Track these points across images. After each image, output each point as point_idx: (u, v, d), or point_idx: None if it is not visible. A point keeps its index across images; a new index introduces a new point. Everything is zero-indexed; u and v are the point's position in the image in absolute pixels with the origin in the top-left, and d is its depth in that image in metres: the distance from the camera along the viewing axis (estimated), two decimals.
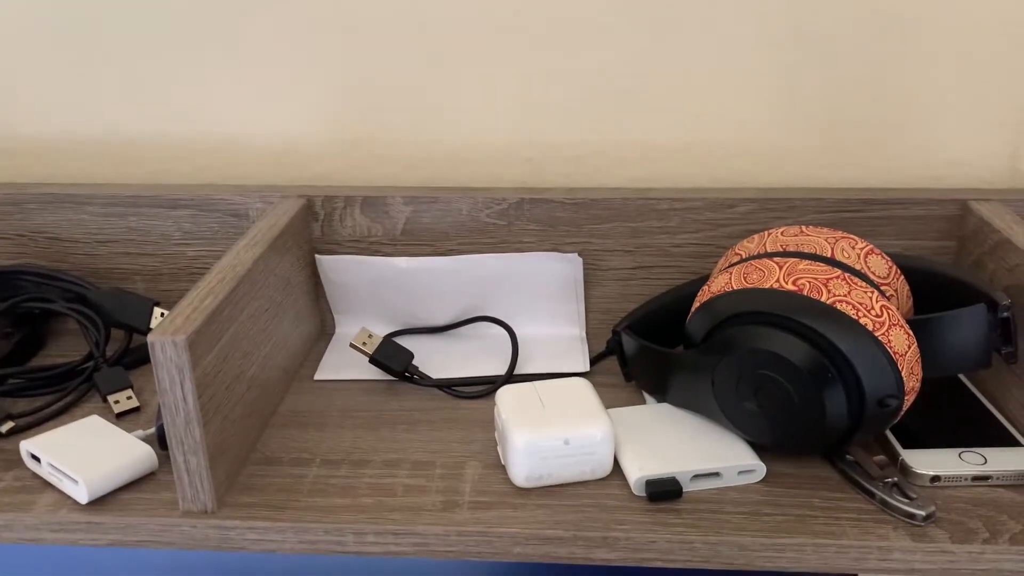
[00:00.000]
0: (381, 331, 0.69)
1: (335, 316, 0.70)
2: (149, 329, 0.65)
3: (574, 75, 0.68)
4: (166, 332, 0.47)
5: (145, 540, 0.50)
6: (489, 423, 0.59)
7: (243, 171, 0.72)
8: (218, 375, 0.51)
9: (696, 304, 0.54)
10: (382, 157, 0.71)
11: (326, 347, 0.68)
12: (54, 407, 0.60)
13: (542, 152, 0.71)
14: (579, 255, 0.66)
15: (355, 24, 0.68)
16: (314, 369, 0.65)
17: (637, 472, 0.51)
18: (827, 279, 0.50)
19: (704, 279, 0.62)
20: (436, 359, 0.66)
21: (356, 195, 0.67)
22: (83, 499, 0.51)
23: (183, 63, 0.70)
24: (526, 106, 0.69)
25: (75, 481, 0.51)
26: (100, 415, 0.58)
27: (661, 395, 0.58)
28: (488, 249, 0.68)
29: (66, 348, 0.68)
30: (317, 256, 0.67)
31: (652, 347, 0.57)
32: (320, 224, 0.68)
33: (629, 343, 0.60)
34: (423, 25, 0.68)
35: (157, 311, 0.65)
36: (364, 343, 0.62)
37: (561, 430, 0.51)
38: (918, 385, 0.50)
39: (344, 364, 0.65)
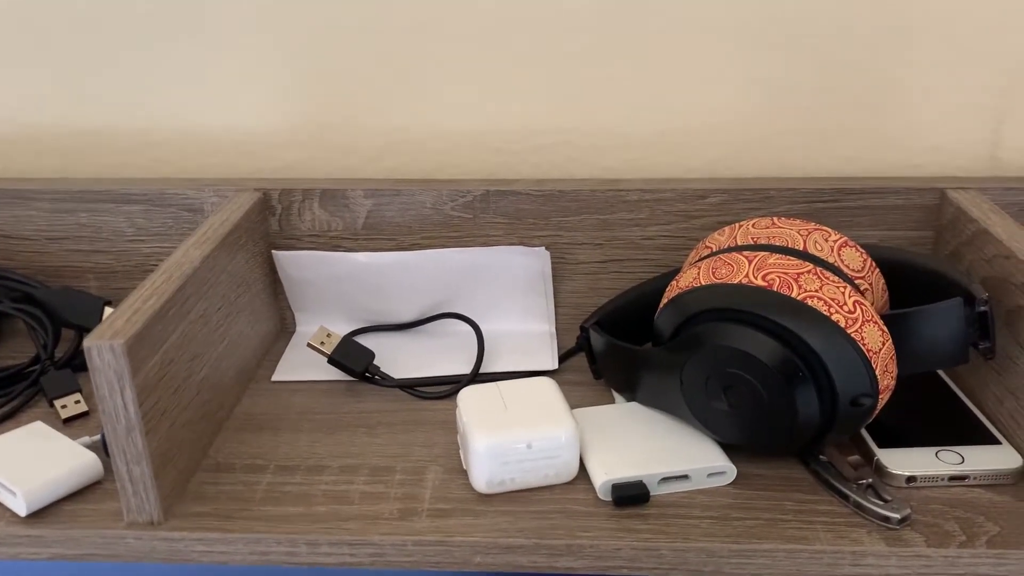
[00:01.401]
0: (343, 329, 0.67)
1: (295, 314, 0.67)
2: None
3: (542, 63, 0.66)
4: (103, 336, 0.44)
5: (89, 554, 0.48)
6: (452, 425, 0.57)
7: (198, 165, 0.69)
8: (163, 379, 0.48)
9: (664, 300, 0.52)
10: (342, 149, 0.69)
11: (285, 347, 0.66)
12: (1, 412, 0.58)
13: (509, 142, 0.68)
14: (547, 248, 0.64)
15: (314, 11, 0.65)
16: (272, 370, 0.63)
17: (603, 476, 0.49)
18: (798, 274, 0.48)
19: (675, 273, 0.60)
20: (399, 358, 0.63)
21: (315, 188, 0.65)
22: (22, 511, 0.48)
23: (135, 52, 0.67)
24: (493, 95, 0.67)
25: (12, 493, 0.48)
26: (45, 420, 0.56)
27: (630, 394, 0.56)
28: (453, 243, 0.66)
29: (14, 350, 0.66)
30: (274, 252, 0.65)
31: (620, 344, 0.55)
32: (278, 219, 0.66)
33: (597, 340, 0.58)
34: (385, 12, 0.65)
35: (108, 310, 0.63)
36: (322, 342, 0.60)
37: (523, 432, 0.49)
38: (893, 383, 0.48)
39: (302, 364, 0.63)
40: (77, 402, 0.58)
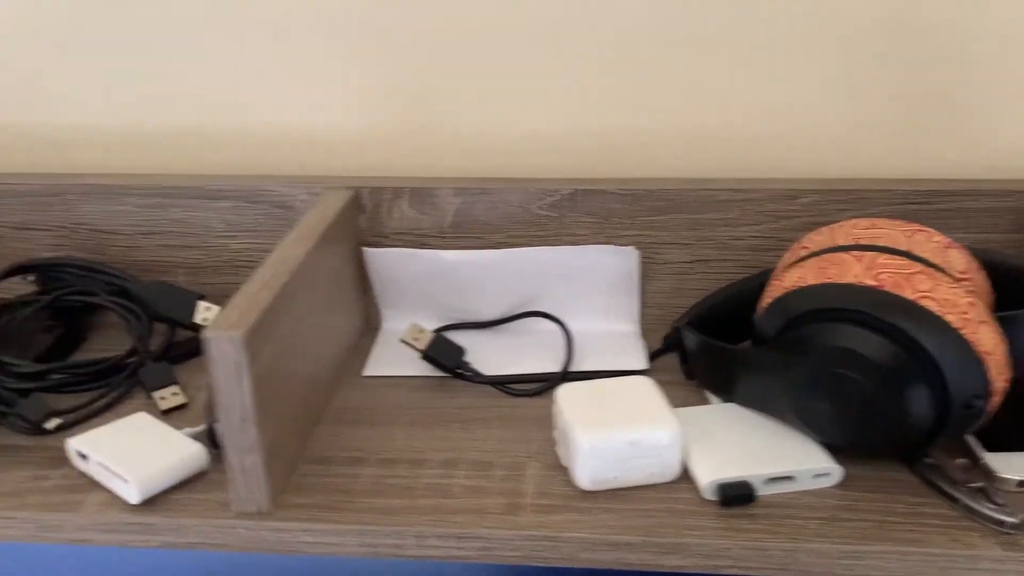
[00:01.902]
0: (428, 326, 0.67)
1: (381, 310, 0.68)
2: (193, 323, 0.64)
3: (629, 62, 0.66)
4: (222, 328, 0.45)
5: (197, 542, 0.49)
6: (545, 422, 0.57)
7: (289, 162, 0.70)
8: (272, 372, 0.49)
9: (767, 300, 0.52)
10: (431, 148, 0.69)
11: (371, 342, 0.66)
12: (98, 403, 0.59)
13: (596, 142, 0.68)
14: (635, 248, 0.64)
15: (404, 12, 0.66)
16: (361, 364, 0.64)
17: (708, 476, 0.49)
18: (909, 274, 0.47)
19: (766, 273, 0.59)
20: (486, 355, 0.64)
21: (404, 187, 0.65)
22: (134, 499, 0.49)
23: (229, 53, 0.68)
24: (580, 95, 0.67)
25: (125, 480, 0.49)
26: (146, 411, 0.57)
27: (726, 394, 0.56)
28: (540, 242, 0.66)
29: (107, 342, 0.67)
30: (364, 249, 0.65)
31: (718, 344, 0.55)
32: (367, 216, 0.66)
33: (691, 339, 0.57)
34: (473, 12, 0.65)
35: (201, 305, 0.64)
36: (415, 338, 0.60)
37: (628, 431, 0.49)
38: (1006, 385, 0.48)
39: (393, 360, 0.63)
40: (175, 394, 0.59)
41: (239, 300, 0.48)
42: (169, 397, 0.59)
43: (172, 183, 0.67)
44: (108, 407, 0.59)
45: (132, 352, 0.62)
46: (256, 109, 0.70)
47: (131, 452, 0.51)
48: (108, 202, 0.68)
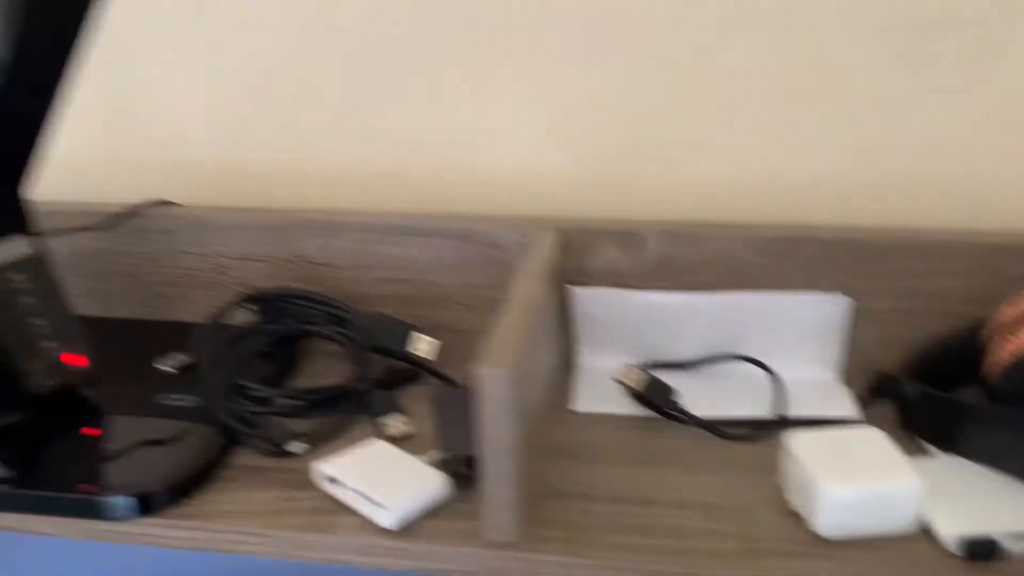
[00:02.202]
0: (623, 363, 0.69)
1: (580, 347, 0.70)
2: (406, 353, 0.67)
3: (838, 110, 0.67)
4: (494, 365, 0.47)
5: (448, 568, 0.51)
6: (764, 467, 0.58)
7: (498, 203, 0.74)
8: (522, 408, 0.51)
9: (1006, 355, 0.52)
10: (638, 191, 0.72)
11: (566, 377, 0.69)
12: (328, 428, 0.62)
13: (807, 188, 0.70)
14: (843, 296, 0.65)
15: (611, 57, 0.69)
16: (565, 399, 0.66)
17: (952, 529, 0.49)
18: None
19: (980, 325, 0.59)
20: (689, 396, 0.65)
21: (610, 229, 0.68)
22: (390, 524, 0.52)
23: (442, 97, 0.72)
24: (790, 142, 0.69)
25: (382, 506, 0.52)
26: (373, 437, 0.60)
27: (952, 448, 0.56)
28: (743, 287, 0.67)
29: (317, 369, 0.70)
30: (572, 288, 0.68)
31: (949, 397, 0.55)
32: (572, 256, 0.69)
33: (912, 390, 0.58)
34: (684, 60, 0.68)
35: (415, 336, 0.67)
36: (628, 377, 0.62)
37: (871, 481, 0.50)
38: None
39: (601, 396, 0.65)
40: (403, 422, 0.62)
41: (500, 338, 0.51)
42: (397, 425, 0.62)
43: (388, 221, 0.71)
44: (337, 432, 0.62)
45: (359, 378, 0.66)
46: (470, 151, 0.73)
47: (382, 479, 0.54)
48: (327, 236, 0.72)
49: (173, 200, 0.76)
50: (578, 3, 0.68)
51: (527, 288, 0.58)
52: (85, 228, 0.74)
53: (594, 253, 0.69)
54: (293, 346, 0.72)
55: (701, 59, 0.68)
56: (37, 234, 0.63)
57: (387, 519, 0.52)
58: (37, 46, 0.55)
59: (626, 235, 0.68)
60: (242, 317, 0.71)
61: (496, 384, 0.47)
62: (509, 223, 0.70)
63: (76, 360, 0.64)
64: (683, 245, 0.67)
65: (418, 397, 0.65)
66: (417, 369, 0.69)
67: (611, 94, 0.70)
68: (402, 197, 0.75)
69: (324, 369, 0.70)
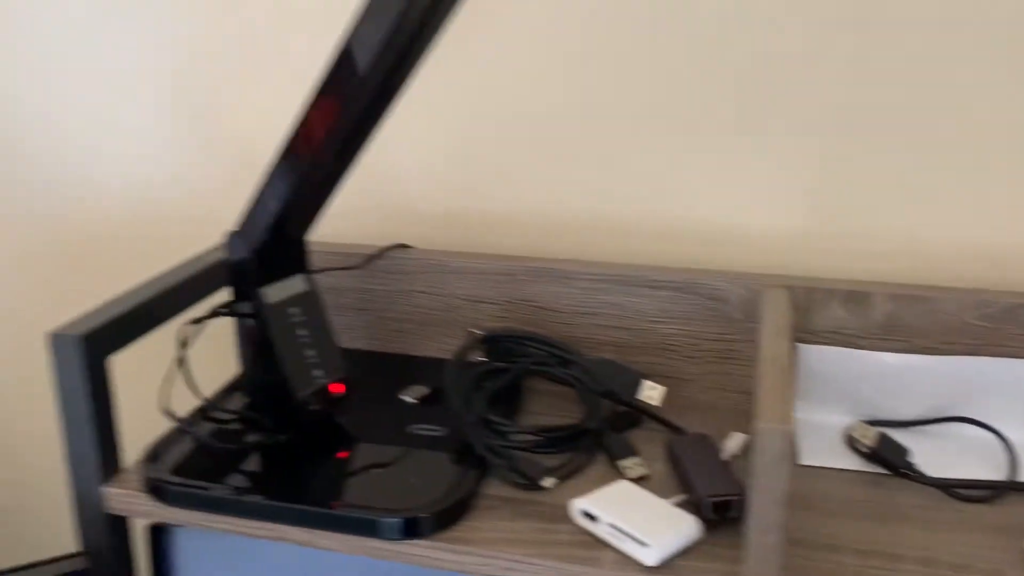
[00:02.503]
0: (841, 419, 0.71)
1: (800, 402, 0.73)
2: (635, 400, 0.71)
3: None
4: (775, 422, 0.51)
5: None
6: (1005, 528, 0.59)
7: (721, 256, 0.78)
8: (792, 461, 0.54)
9: None
10: (863, 252, 0.74)
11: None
12: (568, 465, 0.66)
13: None
14: None
15: (844, 118, 0.72)
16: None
17: None
18: None
19: None
20: (916, 456, 0.66)
21: (839, 288, 0.70)
22: (651, 561, 0.55)
23: (675, 153, 0.76)
24: (1013, 205, 0.70)
25: (644, 544, 0.56)
26: (601, 477, 0.63)
27: None
28: (968, 351, 0.69)
29: (534, 408, 0.74)
30: (802, 345, 0.71)
31: None
32: (798, 313, 0.72)
33: None
34: (908, 122, 0.70)
35: (646, 384, 0.71)
36: (862, 434, 0.65)
37: None
38: None
39: (824, 451, 0.68)
40: (639, 464, 0.66)
41: (771, 395, 0.54)
42: (633, 467, 0.66)
43: (617, 271, 0.75)
44: (576, 470, 0.67)
45: (589, 421, 0.70)
46: (700, 206, 0.77)
47: (639, 518, 0.58)
48: (556, 284, 0.77)
49: (410, 244, 0.83)
50: (806, 73, 0.72)
51: (778, 346, 0.61)
52: (343, 267, 0.81)
53: (820, 311, 0.71)
54: (520, 385, 0.76)
55: (941, 124, 0.70)
56: (311, 272, 0.70)
57: (649, 556, 0.55)
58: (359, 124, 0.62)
59: (853, 294, 0.70)
60: (471, 355, 0.76)
61: (774, 439, 0.51)
62: (734, 277, 0.73)
63: (338, 388, 0.70)
64: (910, 306, 0.69)
65: (642, 440, 0.69)
66: (639, 415, 0.73)
67: (844, 156, 0.73)
68: (634, 249, 0.80)
69: (542, 408, 0.75)
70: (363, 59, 0.56)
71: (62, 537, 1.10)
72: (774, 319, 0.65)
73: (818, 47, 0.71)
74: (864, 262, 0.75)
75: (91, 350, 0.64)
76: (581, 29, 0.76)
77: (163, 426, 0.70)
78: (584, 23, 0.76)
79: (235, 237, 0.66)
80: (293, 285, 0.69)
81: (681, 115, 0.76)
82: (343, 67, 0.57)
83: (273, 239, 0.67)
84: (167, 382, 0.68)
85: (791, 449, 0.51)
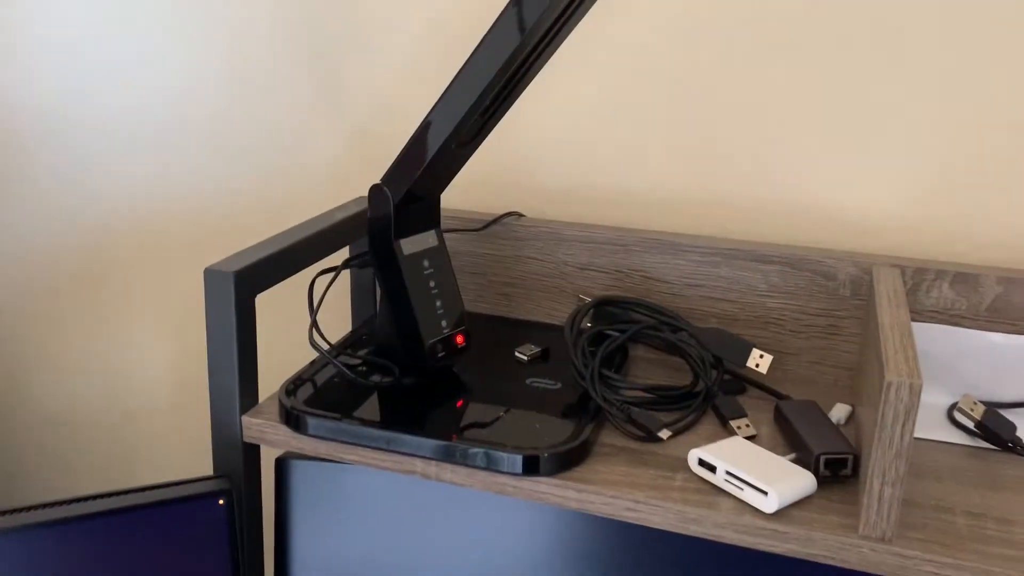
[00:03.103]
0: (943, 398, 0.73)
1: None
2: (744, 367, 0.74)
3: None
4: (903, 376, 0.53)
5: (820, 554, 0.57)
6: None
7: (830, 235, 0.80)
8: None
9: None
10: (975, 237, 0.77)
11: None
12: (683, 422, 0.69)
13: None
14: None
15: (958, 100, 0.74)
16: None
17: None
18: None
19: None
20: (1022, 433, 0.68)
21: (948, 270, 0.73)
22: (770, 508, 0.58)
23: (788, 133, 0.79)
24: None
25: (763, 492, 0.58)
26: (712, 436, 0.66)
27: None
28: None
29: (637, 371, 0.78)
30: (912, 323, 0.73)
31: None
32: (906, 293, 0.74)
33: None
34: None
35: (756, 353, 0.73)
36: (971, 408, 0.67)
37: None
38: None
39: (927, 424, 0.70)
40: (748, 425, 0.69)
41: (896, 353, 0.57)
42: (744, 427, 0.69)
43: (728, 245, 0.78)
44: (689, 427, 0.70)
45: (701, 383, 0.73)
46: (811, 185, 0.80)
47: (756, 469, 0.61)
48: (668, 255, 0.80)
49: (523, 213, 0.87)
50: (931, 56, 0.75)
51: (898, 315, 0.63)
52: (462, 230, 0.85)
53: (929, 291, 0.74)
54: (627, 349, 0.80)
55: None
56: (441, 230, 0.74)
57: (768, 504, 0.58)
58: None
59: (962, 275, 0.72)
60: (584, 319, 0.80)
61: (902, 391, 0.53)
62: (842, 255, 0.76)
63: (461, 340, 0.74)
64: (1019, 289, 0.71)
65: (747, 407, 0.71)
66: (743, 383, 0.76)
67: (958, 137, 0.75)
68: (745, 226, 0.83)
69: (645, 374, 0.78)
70: (530, 17, 0.60)
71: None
72: (888, 294, 0.68)
73: (945, 29, 0.74)
74: (976, 248, 0.77)
75: (241, 287, 0.69)
76: (710, 14, 0.80)
77: (284, 370, 0.74)
78: (712, 5, 0.79)
79: (379, 192, 0.71)
80: (425, 239, 0.73)
81: (800, 98, 0.79)
82: (504, 27, 0.61)
83: (411, 196, 0.71)
84: (312, 324, 0.72)
85: (916, 404, 0.53)
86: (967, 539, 0.56)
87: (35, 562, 0.64)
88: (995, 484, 0.63)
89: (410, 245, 0.72)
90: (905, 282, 0.74)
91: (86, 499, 0.66)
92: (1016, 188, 0.75)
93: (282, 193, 0.97)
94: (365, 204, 0.73)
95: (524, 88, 0.66)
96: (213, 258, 0.72)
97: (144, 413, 1.12)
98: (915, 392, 0.53)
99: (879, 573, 0.56)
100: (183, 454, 1.13)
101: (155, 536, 0.67)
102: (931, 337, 0.72)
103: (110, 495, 0.67)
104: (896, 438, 0.54)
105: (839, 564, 0.57)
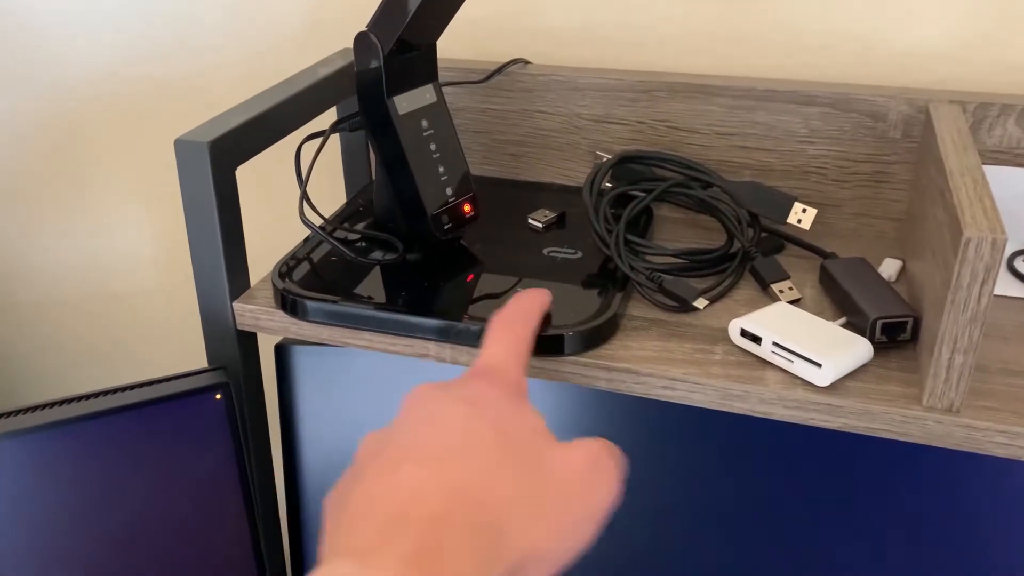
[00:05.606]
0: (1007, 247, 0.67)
1: None
2: (784, 223, 0.67)
3: None
4: (983, 230, 0.47)
5: (881, 428, 0.52)
6: None
7: (880, 72, 0.71)
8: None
9: None
10: None
11: None
12: (719, 288, 0.62)
13: None
14: None
15: None
16: None
17: None
18: None
19: None
20: None
21: (1016, 103, 0.64)
22: (823, 382, 0.53)
23: None
24: None
25: (816, 364, 0.53)
26: (752, 300, 0.60)
27: None
28: None
29: (665, 235, 0.71)
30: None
31: None
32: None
33: None
34: None
35: (798, 206, 0.66)
36: None
37: None
38: None
39: None
40: (791, 288, 0.62)
41: (972, 205, 0.49)
42: (787, 291, 0.62)
43: (765, 86, 0.69)
44: (726, 293, 0.63)
45: (738, 244, 0.66)
46: (851, 15, 0.70)
47: (805, 338, 0.55)
48: (696, 102, 0.71)
49: (530, 60, 0.77)
50: None
51: (967, 159, 0.56)
52: (462, 82, 0.76)
53: (992, 129, 0.65)
54: (651, 211, 0.72)
55: None
56: (440, 84, 0.66)
57: (822, 377, 0.53)
58: None
59: None
60: (604, 178, 0.72)
61: (982, 249, 0.46)
62: (896, 92, 0.67)
63: (468, 208, 0.67)
64: None
65: (787, 266, 0.65)
66: (781, 240, 0.69)
67: None
68: (780, 63, 0.73)
69: (673, 237, 0.71)
70: None
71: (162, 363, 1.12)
72: (951, 135, 0.60)
73: None
74: None
75: (218, 159, 0.60)
76: None
77: (277, 251, 0.67)
78: None
79: (365, 41, 0.61)
80: (422, 95, 0.64)
81: None
82: None
83: (404, 45, 0.62)
84: (301, 195, 0.64)
85: (999, 262, 0.47)
86: None
87: (25, 468, 0.59)
88: None
89: (405, 103, 0.63)
90: (966, 120, 0.65)
91: (70, 401, 0.61)
92: None
93: (255, 47, 0.87)
94: (351, 57, 0.63)
95: None
96: (186, 126, 0.64)
97: (132, 295, 1.07)
98: (998, 248, 0.46)
99: (942, 446, 0.51)
100: (183, 334, 1.08)
101: (150, 437, 0.61)
102: (994, 180, 0.65)
103: (91, 396, 0.61)
104: (972, 300, 0.48)
105: (899, 438, 0.52)
